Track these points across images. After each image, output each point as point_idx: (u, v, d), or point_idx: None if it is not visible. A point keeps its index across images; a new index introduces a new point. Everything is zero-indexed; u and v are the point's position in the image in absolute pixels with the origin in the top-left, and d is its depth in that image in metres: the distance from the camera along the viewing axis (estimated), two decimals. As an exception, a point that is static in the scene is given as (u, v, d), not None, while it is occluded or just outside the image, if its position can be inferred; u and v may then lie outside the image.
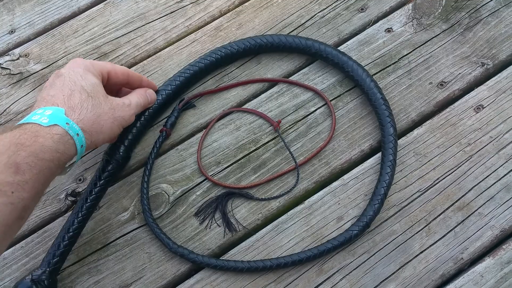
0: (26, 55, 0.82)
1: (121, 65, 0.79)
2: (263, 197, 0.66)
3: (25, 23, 0.86)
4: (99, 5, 0.86)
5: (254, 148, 0.69)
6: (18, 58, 0.82)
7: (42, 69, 0.80)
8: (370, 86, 0.67)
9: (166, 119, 0.72)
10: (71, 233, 0.61)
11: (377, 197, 0.61)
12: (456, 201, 0.62)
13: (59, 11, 0.86)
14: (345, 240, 0.60)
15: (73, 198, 0.69)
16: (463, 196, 0.62)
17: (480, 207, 0.61)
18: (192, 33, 0.80)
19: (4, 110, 0.78)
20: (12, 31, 0.86)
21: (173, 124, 0.71)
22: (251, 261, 0.60)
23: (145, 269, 0.63)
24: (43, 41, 0.83)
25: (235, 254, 0.62)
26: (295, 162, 0.67)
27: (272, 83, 0.74)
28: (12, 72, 0.81)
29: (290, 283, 0.60)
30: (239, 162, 0.68)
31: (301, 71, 0.74)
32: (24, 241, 0.67)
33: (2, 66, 0.82)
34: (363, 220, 0.60)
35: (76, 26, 0.84)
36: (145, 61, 0.79)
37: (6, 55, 0.83)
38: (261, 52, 0.75)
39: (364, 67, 0.69)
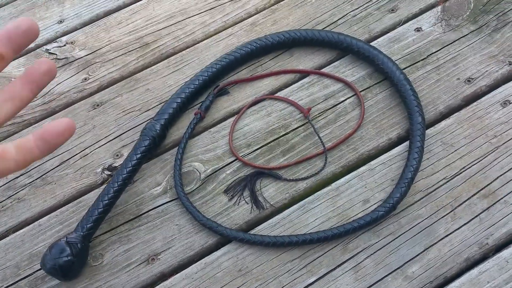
0: (72, 42, 0.88)
1: (161, 54, 0.84)
2: (291, 178, 0.68)
3: (73, 14, 0.92)
4: (142, 0, 0.91)
5: (283, 132, 0.72)
6: (64, 45, 0.88)
7: (86, 55, 0.86)
8: (400, 78, 0.69)
9: (201, 103, 0.75)
10: (106, 201, 0.64)
11: (404, 181, 0.63)
12: (482, 189, 0.63)
13: (105, 4, 0.92)
14: (371, 220, 0.61)
15: (109, 172, 0.72)
16: (488, 184, 0.63)
17: (506, 195, 0.62)
18: (229, 27, 0.85)
19: (49, 91, 0.82)
20: (61, 21, 0.92)
21: (208, 108, 0.75)
22: (278, 236, 0.62)
23: (174, 240, 0.65)
24: (89, 31, 0.89)
25: (262, 230, 0.64)
26: (324, 146, 0.69)
27: (304, 74, 0.77)
28: (58, 57, 0.86)
29: (314, 259, 0.61)
30: (269, 145, 0.71)
31: (332, 64, 0.77)
32: (59, 210, 0.70)
33: (49, 51, 0.87)
34: (389, 201, 0.62)
35: (120, 18, 0.90)
36: (183, 52, 0.83)
37: (54, 42, 0.89)
38: (295, 45, 0.79)
39: (394, 61, 0.72)
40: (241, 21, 0.85)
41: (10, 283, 0.64)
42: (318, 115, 0.72)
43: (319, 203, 0.65)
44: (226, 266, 0.62)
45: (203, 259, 0.63)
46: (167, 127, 0.72)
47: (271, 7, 0.85)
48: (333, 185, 0.66)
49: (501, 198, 0.62)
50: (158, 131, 0.70)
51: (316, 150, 0.69)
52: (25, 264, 0.65)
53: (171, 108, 0.73)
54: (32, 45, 0.90)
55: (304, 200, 0.66)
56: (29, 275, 0.64)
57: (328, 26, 0.81)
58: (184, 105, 0.74)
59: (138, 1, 0.91)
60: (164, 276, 0.63)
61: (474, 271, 0.58)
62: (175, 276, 0.63)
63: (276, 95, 0.75)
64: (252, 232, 0.64)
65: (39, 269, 0.64)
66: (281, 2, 0.86)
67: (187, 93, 0.74)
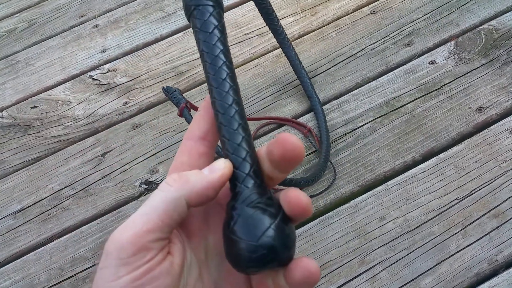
0: (114, 70, 0.97)
1: (194, 82, 0.92)
2: (311, 195, 0.73)
3: (115, 45, 1.02)
4: (178, 34, 1.01)
5: (306, 153, 0.78)
6: (107, 72, 0.97)
7: (127, 82, 0.95)
8: None
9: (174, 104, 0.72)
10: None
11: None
12: (492, 209, 0.67)
13: (144, 36, 1.02)
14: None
15: (146, 186, 0.79)
16: (498, 205, 0.67)
17: (515, 216, 0.66)
18: (256, 58, 0.93)
19: (92, 112, 0.91)
20: (103, 51, 1.02)
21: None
22: None
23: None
24: (129, 60, 0.98)
25: (285, 242, 0.69)
26: (331, 164, 0.75)
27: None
28: (101, 83, 0.96)
29: (333, 270, 0.66)
30: (292, 165, 0.77)
31: (351, 92, 0.83)
32: (99, 219, 0.77)
33: (93, 77, 0.97)
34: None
35: (158, 49, 0.99)
36: (214, 79, 0.91)
37: (97, 69, 0.98)
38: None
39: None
40: (267, 53, 0.93)
41: (54, 283, 0.70)
42: (338, 138, 0.78)
43: (338, 218, 0.70)
44: (251, 275, 0.67)
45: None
46: None
47: (295, 41, 0.93)
48: (351, 202, 0.72)
49: (511, 218, 0.66)
50: None
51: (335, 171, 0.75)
52: (68, 267, 0.72)
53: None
54: (77, 71, 1.00)
55: (324, 216, 0.71)
56: (71, 276, 0.71)
57: (347, 58, 0.88)
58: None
59: (174, 34, 1.01)
60: None
61: (484, 286, 0.62)
62: None
63: (298, 120, 0.82)
64: (276, 244, 0.69)
65: (81, 271, 0.71)
66: (305, 37, 0.94)
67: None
